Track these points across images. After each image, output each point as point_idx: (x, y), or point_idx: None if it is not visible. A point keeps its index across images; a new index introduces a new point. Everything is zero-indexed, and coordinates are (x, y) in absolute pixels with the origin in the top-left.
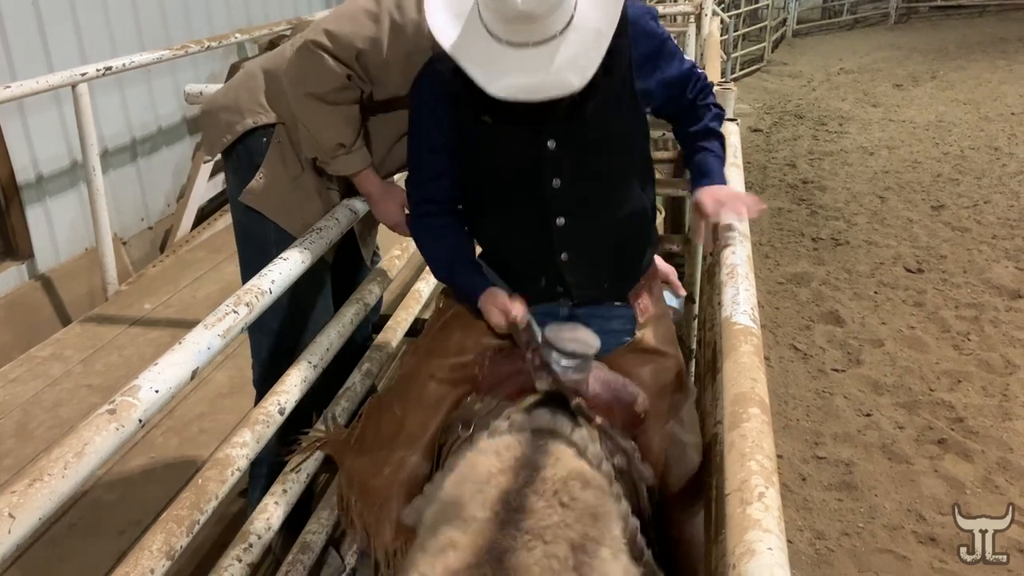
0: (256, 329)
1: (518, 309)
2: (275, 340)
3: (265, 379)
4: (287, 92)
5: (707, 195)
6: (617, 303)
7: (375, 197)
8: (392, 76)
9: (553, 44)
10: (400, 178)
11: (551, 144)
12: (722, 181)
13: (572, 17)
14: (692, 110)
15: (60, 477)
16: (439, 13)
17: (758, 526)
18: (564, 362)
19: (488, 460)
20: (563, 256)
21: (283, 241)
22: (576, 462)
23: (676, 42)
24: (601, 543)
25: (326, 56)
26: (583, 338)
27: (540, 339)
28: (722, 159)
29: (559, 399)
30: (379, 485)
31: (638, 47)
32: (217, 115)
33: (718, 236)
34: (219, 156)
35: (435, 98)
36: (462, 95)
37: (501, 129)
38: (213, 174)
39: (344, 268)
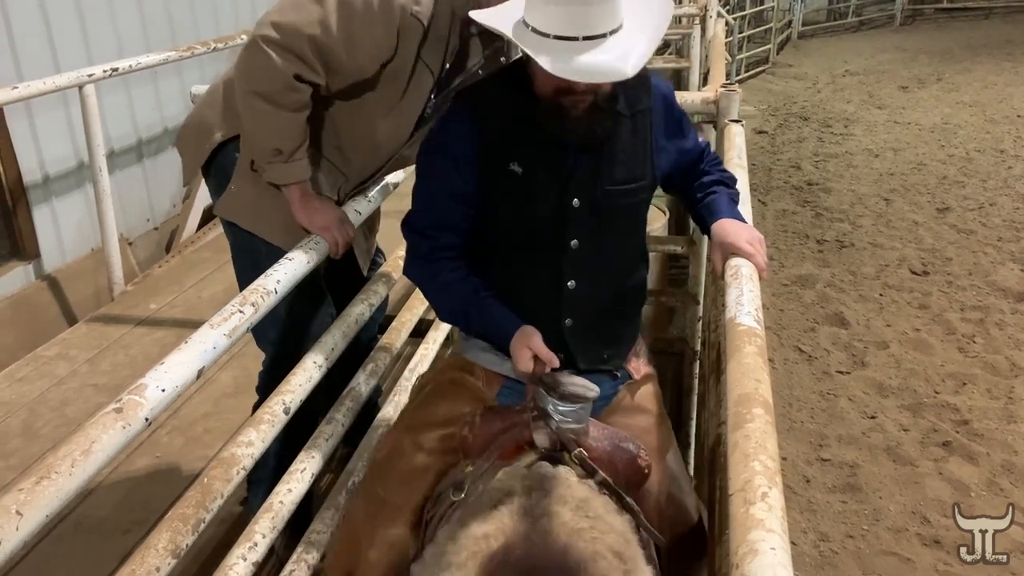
0: (259, 339)
1: (554, 359)
2: (275, 350)
3: (266, 387)
4: (236, 89)
5: (726, 239)
6: (617, 373)
7: (297, 204)
8: (346, 59)
9: (600, 42)
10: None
11: (576, 202)
12: (737, 217)
13: (620, 26)
14: (702, 175)
15: (67, 475)
16: (491, 19)
17: (761, 526)
18: (563, 408)
19: (482, 504)
20: (567, 321)
21: (274, 256)
22: (591, 492)
23: (681, 44)
24: (637, 564)
25: (272, 53)
26: (581, 383)
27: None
28: (734, 199)
29: (558, 459)
30: (365, 570)
31: (659, 113)
32: (188, 140)
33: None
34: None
35: (463, 143)
36: (493, 142)
37: (529, 181)
38: None
39: (342, 273)
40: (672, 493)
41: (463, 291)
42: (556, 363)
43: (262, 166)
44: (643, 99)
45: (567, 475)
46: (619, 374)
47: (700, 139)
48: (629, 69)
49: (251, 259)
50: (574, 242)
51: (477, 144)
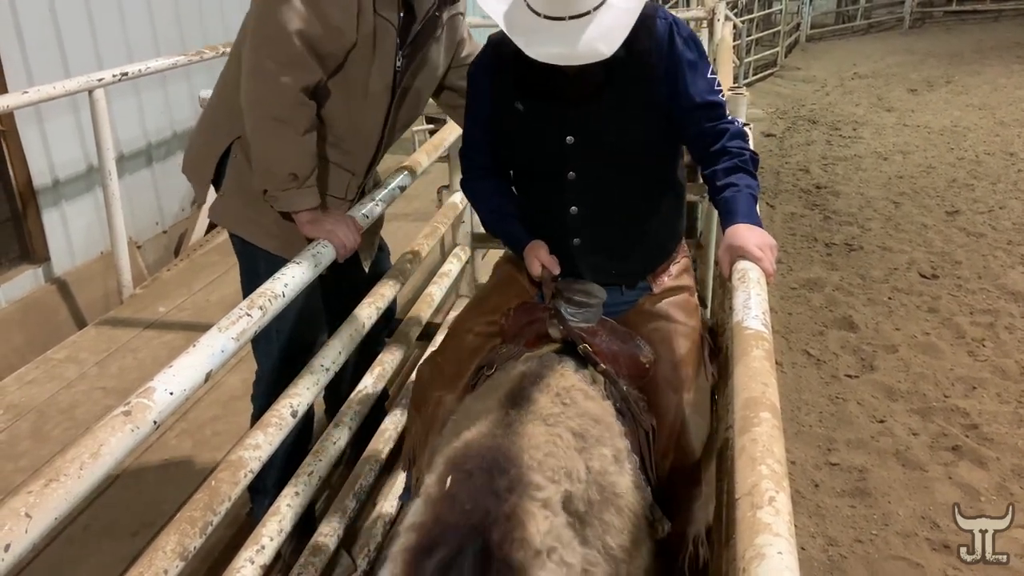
0: (255, 348)
1: (555, 262)
2: (274, 356)
3: (267, 395)
4: (245, 116)
5: (735, 243)
6: (633, 286)
7: (307, 226)
8: (329, 38)
9: (586, 19)
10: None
11: (570, 139)
12: (752, 221)
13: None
14: (721, 155)
15: (76, 477)
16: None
17: (768, 530)
18: (571, 310)
19: (499, 380)
20: (575, 241)
21: (273, 263)
22: (580, 381)
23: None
24: (603, 443)
25: (273, 71)
26: (590, 290)
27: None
28: (753, 194)
29: (572, 349)
30: (421, 421)
31: (661, 55)
32: (194, 164)
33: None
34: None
35: (482, 79)
36: (503, 79)
37: (530, 118)
38: None
39: (345, 274)
40: (681, 404)
41: (490, 206)
42: (557, 269)
43: (275, 195)
44: (642, 40)
45: (564, 366)
46: (640, 285)
47: (720, 94)
48: (606, 49)
49: (248, 264)
50: (571, 174)
51: (491, 80)
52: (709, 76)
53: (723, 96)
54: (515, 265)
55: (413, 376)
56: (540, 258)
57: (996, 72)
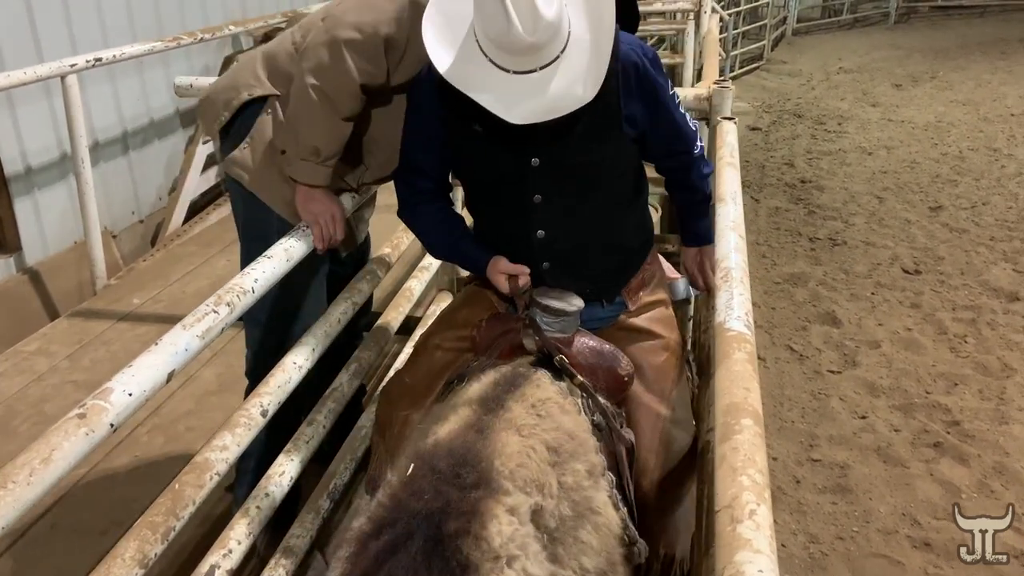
0: (247, 320)
1: (524, 271)
2: (265, 331)
3: (255, 370)
4: (297, 78)
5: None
6: (608, 302)
7: (302, 194)
8: (407, 55)
9: (556, 65)
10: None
11: (535, 162)
12: (705, 242)
13: (569, 35)
14: (679, 166)
15: (25, 484)
16: (438, 48)
17: (748, 546)
18: (547, 319)
19: (471, 387)
20: (544, 265)
21: (285, 230)
22: (556, 394)
23: (675, 40)
24: (576, 458)
25: (349, 57)
26: (567, 298)
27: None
28: (708, 216)
29: (547, 362)
30: (386, 444)
31: (627, 76)
32: (215, 97)
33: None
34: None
35: (429, 99)
36: (456, 99)
37: (490, 140)
38: (206, 168)
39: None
40: (661, 413)
41: (439, 232)
42: (526, 271)
43: (292, 160)
44: (609, 64)
45: (541, 377)
46: (617, 300)
47: (691, 122)
48: (584, 93)
49: (257, 231)
50: (537, 197)
51: (443, 102)
52: (675, 99)
53: (690, 120)
54: (483, 281)
55: (377, 396)
56: (504, 270)
57: (980, 68)
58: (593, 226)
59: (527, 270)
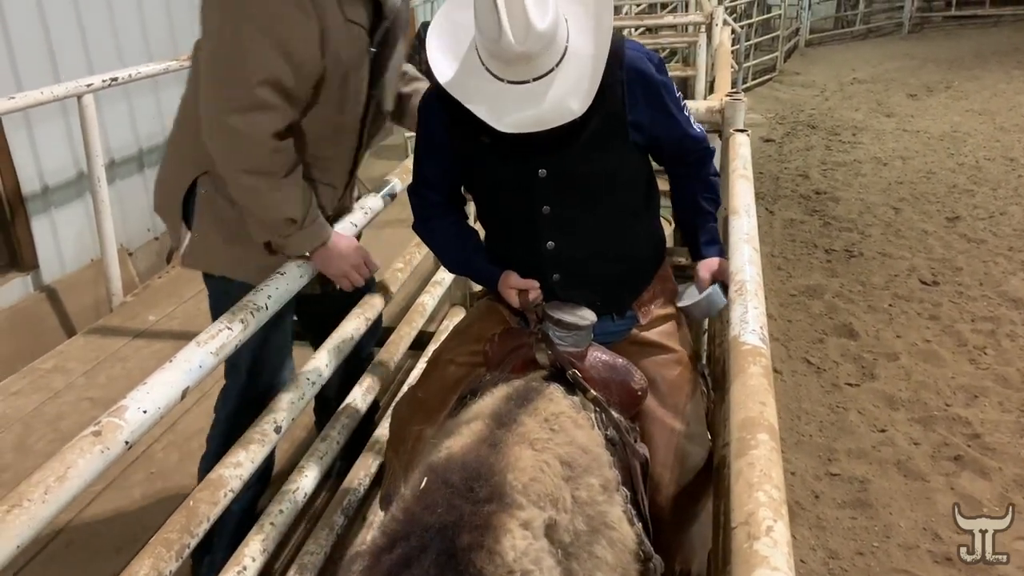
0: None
1: (534, 285)
2: (242, 386)
3: (226, 435)
4: (221, 173)
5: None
6: (621, 315)
7: (319, 259)
8: (293, 69)
9: (551, 76)
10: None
11: (542, 173)
12: (716, 254)
13: (566, 49)
14: (687, 171)
15: (40, 502)
16: (440, 58)
17: (766, 564)
18: (560, 333)
19: (483, 402)
20: (555, 276)
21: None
22: (569, 408)
23: (687, 52)
24: (590, 472)
25: (237, 124)
26: (579, 312)
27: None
28: (714, 228)
29: (560, 376)
30: (400, 460)
31: (633, 84)
32: (165, 202)
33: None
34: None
35: (438, 112)
36: (463, 111)
37: (497, 152)
38: None
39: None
40: (675, 428)
41: (452, 246)
42: (536, 285)
43: (280, 242)
44: (615, 71)
45: (554, 391)
46: (629, 314)
47: (698, 128)
48: (577, 106)
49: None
50: (545, 208)
51: (450, 114)
52: (682, 104)
53: (698, 127)
54: (496, 296)
55: (390, 412)
56: (515, 284)
57: (996, 77)
58: (603, 237)
59: (537, 284)
